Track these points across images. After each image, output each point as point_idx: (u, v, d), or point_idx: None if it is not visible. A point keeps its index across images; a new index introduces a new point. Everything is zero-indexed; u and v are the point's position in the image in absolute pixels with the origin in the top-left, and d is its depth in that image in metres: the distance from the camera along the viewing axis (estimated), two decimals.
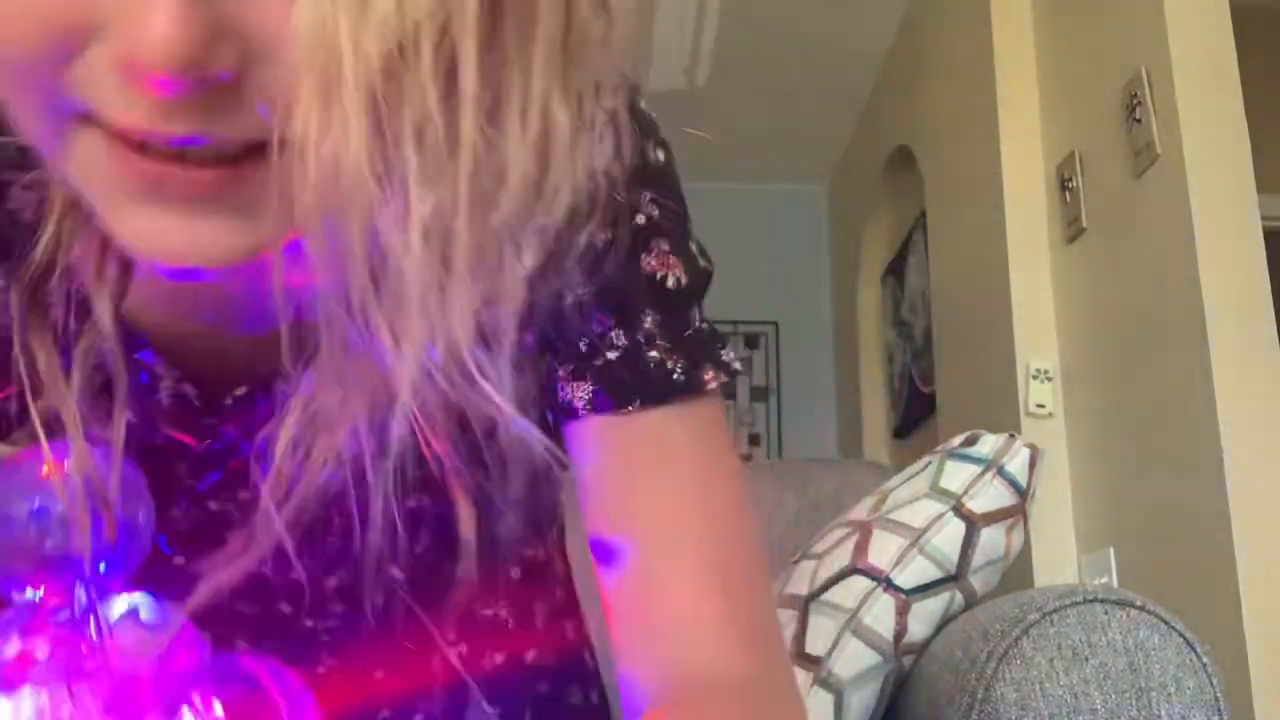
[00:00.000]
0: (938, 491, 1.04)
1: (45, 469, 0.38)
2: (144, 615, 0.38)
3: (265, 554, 0.41)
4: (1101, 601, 0.87)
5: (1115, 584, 1.82)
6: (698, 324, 0.48)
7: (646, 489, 0.47)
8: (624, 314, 0.46)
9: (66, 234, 0.39)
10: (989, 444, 1.07)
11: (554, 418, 0.47)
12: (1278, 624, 1.47)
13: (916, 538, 1.01)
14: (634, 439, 0.47)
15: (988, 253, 2.27)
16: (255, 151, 0.31)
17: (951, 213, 2.62)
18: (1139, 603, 0.87)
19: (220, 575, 0.39)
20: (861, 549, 1.03)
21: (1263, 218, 1.66)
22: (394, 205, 0.30)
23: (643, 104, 0.50)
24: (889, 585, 1.00)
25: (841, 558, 1.05)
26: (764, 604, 0.47)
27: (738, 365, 0.50)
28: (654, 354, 0.47)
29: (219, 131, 0.31)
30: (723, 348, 0.49)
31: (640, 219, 0.47)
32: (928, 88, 2.85)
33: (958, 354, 2.55)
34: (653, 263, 0.48)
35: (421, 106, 0.29)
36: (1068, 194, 2.06)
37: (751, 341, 4.05)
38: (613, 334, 0.46)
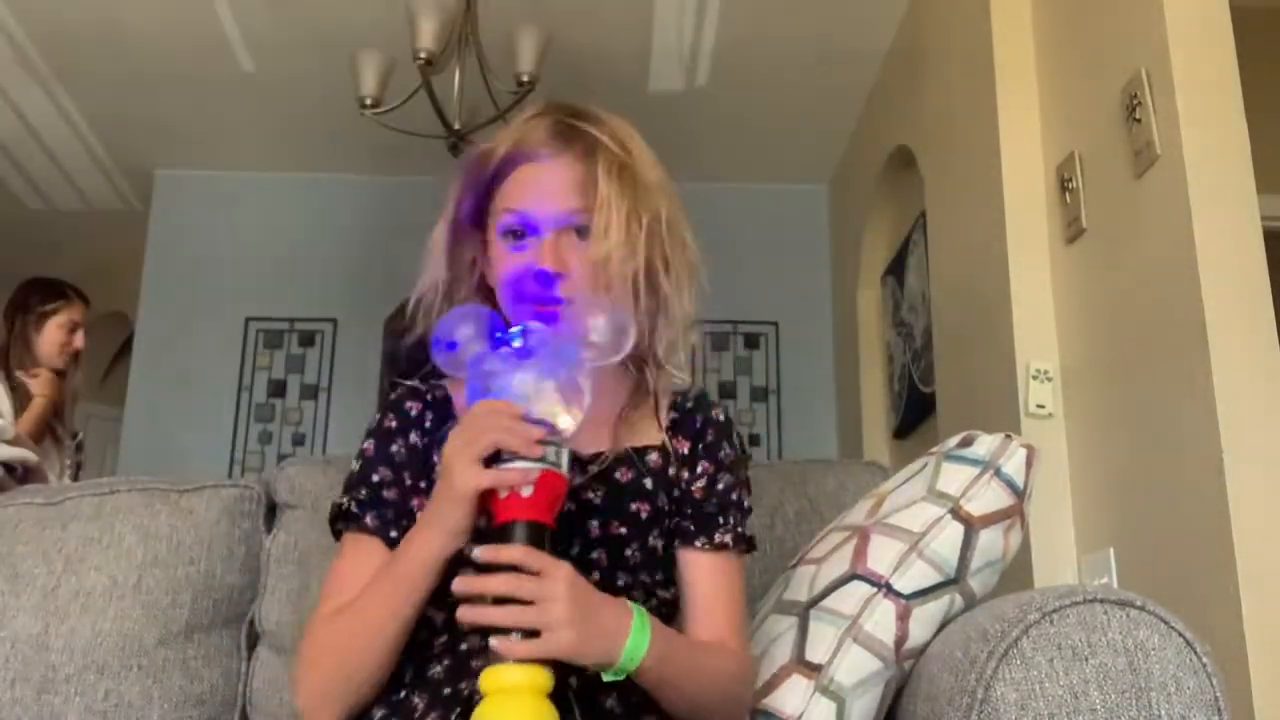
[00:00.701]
0: (935, 494, 1.04)
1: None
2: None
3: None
4: (1101, 601, 0.87)
5: (1115, 584, 1.81)
6: (749, 517, 1.07)
7: (725, 583, 1.01)
8: (739, 514, 1.04)
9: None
10: (985, 445, 1.06)
11: (700, 545, 1.01)
12: (1278, 624, 1.47)
13: (915, 542, 1.01)
14: (727, 563, 1.02)
15: (988, 253, 2.27)
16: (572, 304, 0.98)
17: (951, 213, 2.62)
18: (1139, 603, 0.87)
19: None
20: (860, 554, 1.03)
21: (1263, 218, 1.66)
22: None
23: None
24: (889, 590, 1.00)
25: (840, 563, 1.04)
26: (749, 631, 1.08)
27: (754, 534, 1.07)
28: (741, 529, 1.04)
29: (559, 294, 0.98)
30: (750, 517, 1.07)
31: (744, 472, 1.08)
32: (928, 88, 2.85)
33: (958, 354, 2.55)
34: (746, 497, 1.07)
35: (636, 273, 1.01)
36: (1068, 194, 2.06)
37: (751, 341, 4.05)
38: (732, 518, 1.03)
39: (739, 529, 1.03)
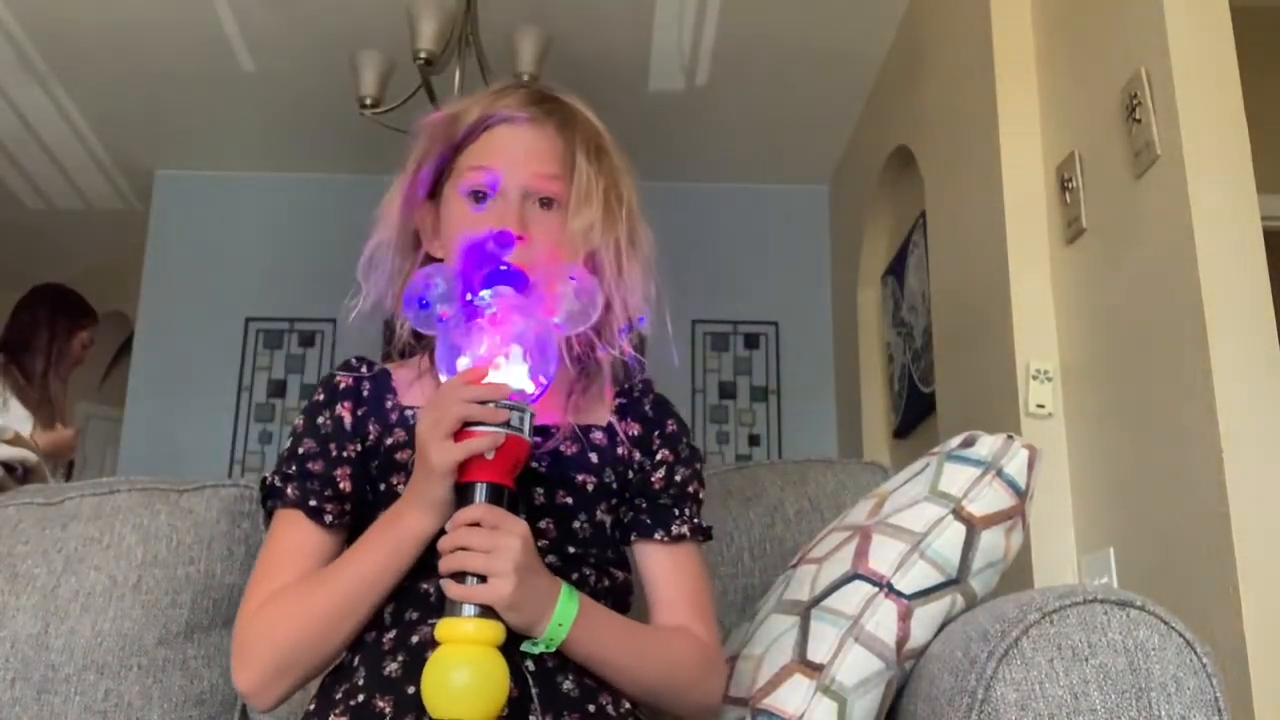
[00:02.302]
0: (937, 495, 1.04)
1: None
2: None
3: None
4: (1101, 601, 0.87)
5: (1115, 584, 1.81)
6: (702, 508, 1.07)
7: (687, 574, 1.03)
8: (694, 506, 1.06)
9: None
10: (987, 445, 1.06)
11: (660, 538, 1.02)
12: (1278, 624, 1.47)
13: (917, 542, 1.01)
14: (687, 553, 1.03)
15: (988, 253, 2.27)
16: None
17: (951, 213, 2.62)
18: (1139, 603, 0.87)
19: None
20: (862, 554, 1.03)
21: (1263, 218, 1.66)
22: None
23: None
24: (891, 590, 1.00)
25: (842, 563, 1.04)
26: (716, 619, 1.04)
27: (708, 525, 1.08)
28: (697, 520, 1.05)
29: (521, 258, 0.95)
30: (702, 508, 1.08)
31: (698, 465, 1.09)
32: (928, 88, 2.85)
33: (958, 354, 2.55)
34: (700, 490, 1.08)
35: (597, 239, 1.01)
36: (1068, 194, 2.06)
37: (751, 341, 4.05)
38: (689, 510, 1.05)
39: (695, 520, 1.04)
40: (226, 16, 3.15)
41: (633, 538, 1.03)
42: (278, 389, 4.02)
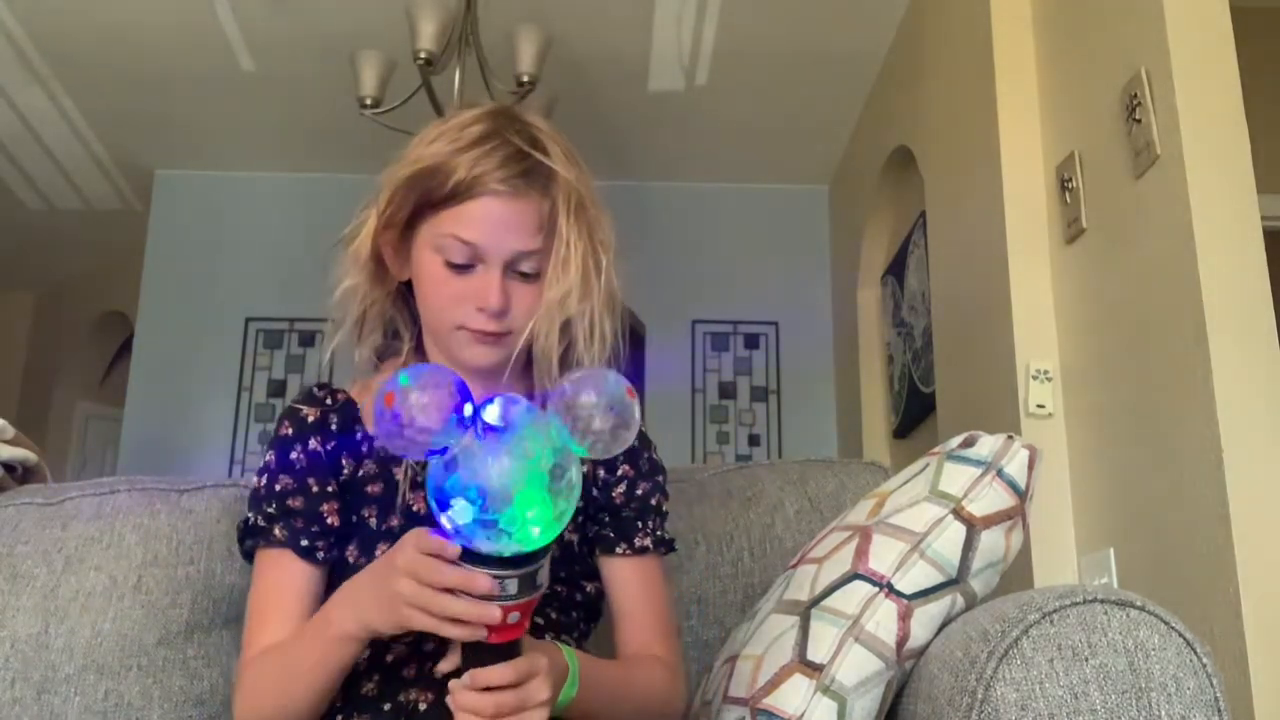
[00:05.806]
0: (937, 495, 1.04)
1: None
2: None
3: None
4: (1101, 601, 0.87)
5: (1115, 584, 1.81)
6: (666, 521, 1.09)
7: (650, 587, 1.05)
8: (657, 518, 1.07)
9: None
10: (987, 445, 1.06)
11: (621, 551, 1.05)
12: (1278, 624, 1.47)
13: (917, 542, 1.01)
14: (649, 567, 1.06)
15: (988, 253, 2.27)
16: (509, 335, 1.00)
17: (951, 213, 2.62)
18: (1139, 603, 0.87)
19: None
20: (862, 554, 1.03)
21: (1263, 218, 1.66)
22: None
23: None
24: (891, 590, 0.99)
25: (842, 563, 1.04)
26: (678, 632, 1.09)
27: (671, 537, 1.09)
28: (660, 532, 1.07)
29: (501, 327, 1.00)
30: (667, 521, 1.10)
31: (660, 478, 1.10)
32: (928, 88, 2.85)
33: (958, 354, 2.55)
34: (664, 502, 1.09)
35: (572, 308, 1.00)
36: (1068, 194, 2.06)
37: (751, 341, 4.05)
38: (651, 523, 1.06)
39: (658, 532, 1.06)
40: (226, 17, 3.15)
41: (598, 553, 1.05)
42: (278, 389, 4.02)
